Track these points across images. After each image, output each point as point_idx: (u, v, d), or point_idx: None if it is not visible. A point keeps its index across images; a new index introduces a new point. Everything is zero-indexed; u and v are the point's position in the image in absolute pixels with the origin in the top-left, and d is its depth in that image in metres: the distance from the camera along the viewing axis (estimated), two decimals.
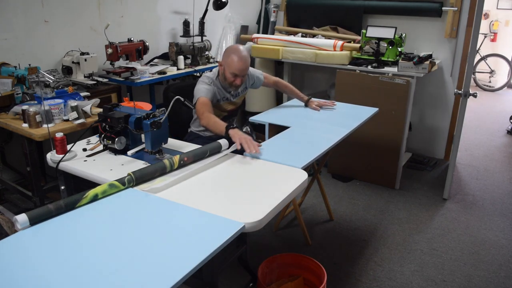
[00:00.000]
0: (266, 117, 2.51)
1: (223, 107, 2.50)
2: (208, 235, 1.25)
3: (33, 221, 1.28)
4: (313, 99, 2.74)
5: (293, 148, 2.03)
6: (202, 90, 2.32)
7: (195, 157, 1.77)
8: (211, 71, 2.49)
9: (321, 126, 2.36)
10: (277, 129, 2.36)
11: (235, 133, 1.95)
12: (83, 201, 1.41)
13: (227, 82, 2.39)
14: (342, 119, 2.48)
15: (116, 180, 1.51)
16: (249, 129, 2.51)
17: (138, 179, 1.55)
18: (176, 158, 1.69)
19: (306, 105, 2.72)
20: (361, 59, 3.61)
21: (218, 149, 1.87)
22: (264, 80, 2.69)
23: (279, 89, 2.85)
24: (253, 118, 2.52)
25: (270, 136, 2.31)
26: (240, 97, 2.58)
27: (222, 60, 2.38)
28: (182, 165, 1.72)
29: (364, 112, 2.59)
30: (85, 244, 1.22)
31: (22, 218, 1.27)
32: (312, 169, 3.01)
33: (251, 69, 2.60)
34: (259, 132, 2.72)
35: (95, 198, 1.44)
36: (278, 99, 4.61)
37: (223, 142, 1.90)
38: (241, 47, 2.36)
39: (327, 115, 2.58)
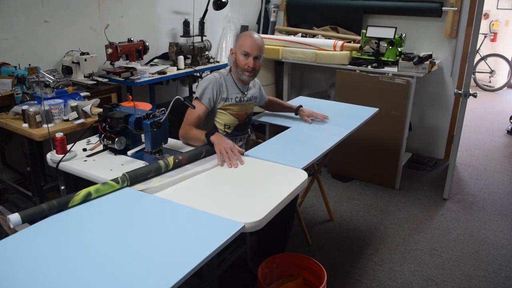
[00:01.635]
0: (266, 117, 2.51)
1: (234, 112, 2.28)
2: (208, 235, 1.25)
3: (26, 220, 1.28)
4: (303, 108, 2.49)
5: (293, 149, 2.03)
6: (203, 87, 2.15)
7: (191, 158, 1.77)
8: (210, 72, 2.42)
9: (321, 126, 2.36)
10: (277, 129, 2.36)
11: (217, 141, 1.83)
12: (76, 200, 1.41)
13: (239, 68, 2.19)
14: (342, 119, 2.48)
15: (110, 180, 1.51)
16: (249, 130, 2.50)
17: (132, 178, 1.55)
18: (171, 159, 1.69)
19: (296, 114, 2.50)
20: (361, 59, 3.61)
21: (214, 150, 1.87)
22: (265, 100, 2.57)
23: (272, 107, 2.60)
24: (253, 118, 2.52)
25: (270, 136, 2.30)
26: (251, 103, 2.37)
27: (234, 45, 2.23)
28: (177, 164, 1.71)
29: (364, 112, 2.59)
30: (84, 244, 1.22)
31: (14, 217, 1.27)
32: (312, 169, 3.01)
33: (258, 83, 2.47)
34: (259, 132, 2.72)
35: (88, 197, 1.44)
36: (278, 97, 4.61)
37: None
38: (255, 32, 2.25)
39: (327, 115, 2.57)
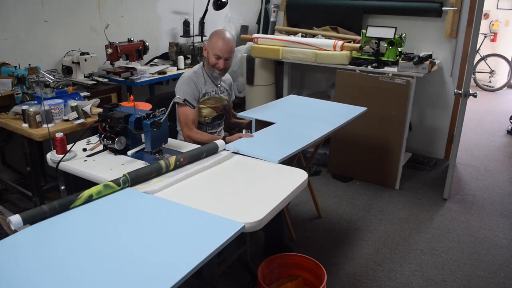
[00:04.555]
0: (253, 113, 2.54)
1: (212, 105, 2.47)
2: (208, 235, 1.25)
3: (27, 222, 1.28)
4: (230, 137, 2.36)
5: (273, 143, 2.06)
6: (184, 91, 2.31)
7: (191, 158, 1.78)
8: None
9: (306, 123, 2.39)
10: (264, 125, 2.39)
11: (232, 139, 2.10)
12: (78, 202, 1.41)
13: (210, 65, 2.38)
14: (329, 117, 2.51)
15: (111, 181, 1.51)
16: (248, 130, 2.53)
17: (133, 179, 1.55)
18: (172, 159, 1.69)
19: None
20: (361, 59, 3.61)
21: (215, 150, 1.87)
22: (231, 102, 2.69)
23: (227, 115, 2.69)
24: (240, 114, 2.57)
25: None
26: (225, 95, 2.55)
27: (207, 43, 2.39)
28: (178, 166, 1.72)
29: (351, 111, 2.62)
30: (84, 244, 1.22)
31: (15, 218, 1.26)
32: (312, 169, 3.01)
33: (230, 79, 2.63)
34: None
35: (89, 199, 1.44)
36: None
37: (220, 142, 1.90)
38: (226, 30, 2.39)
39: (315, 113, 2.60)
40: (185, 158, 1.74)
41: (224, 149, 1.91)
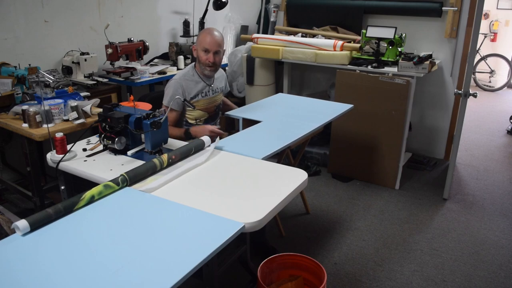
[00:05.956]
0: (240, 112, 2.56)
1: (203, 106, 2.47)
2: (208, 235, 1.25)
3: (34, 226, 1.27)
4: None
5: (257, 141, 2.08)
6: (169, 96, 2.34)
7: (182, 155, 1.80)
8: None
9: (292, 121, 2.40)
10: (250, 123, 2.41)
11: (198, 132, 2.09)
12: (81, 203, 1.41)
13: (201, 63, 2.37)
14: (315, 114, 2.52)
15: (110, 181, 1.51)
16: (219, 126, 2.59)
17: (131, 179, 1.56)
18: (165, 157, 1.71)
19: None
20: (361, 59, 3.61)
21: (201, 146, 1.90)
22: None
23: (223, 108, 2.72)
24: (228, 113, 2.58)
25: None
26: (218, 95, 2.55)
27: (195, 42, 2.40)
28: (170, 163, 1.74)
29: (338, 108, 2.64)
30: (85, 245, 1.22)
31: (22, 224, 1.25)
32: (312, 168, 3.00)
33: (224, 75, 2.62)
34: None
35: (92, 200, 1.44)
36: None
37: (206, 139, 1.93)
38: (214, 28, 2.40)
39: (301, 111, 2.61)
40: (177, 155, 1.77)
41: (209, 145, 1.93)
